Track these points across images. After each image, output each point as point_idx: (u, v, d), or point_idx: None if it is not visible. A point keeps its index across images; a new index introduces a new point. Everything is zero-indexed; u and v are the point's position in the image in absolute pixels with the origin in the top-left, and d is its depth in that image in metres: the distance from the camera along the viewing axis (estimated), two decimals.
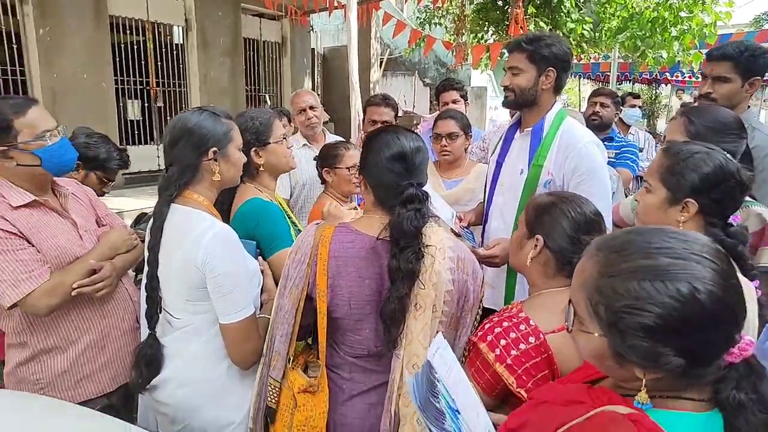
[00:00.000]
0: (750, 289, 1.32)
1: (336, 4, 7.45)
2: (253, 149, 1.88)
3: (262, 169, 1.92)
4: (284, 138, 1.97)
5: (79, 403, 1.65)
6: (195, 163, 1.55)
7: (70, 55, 6.36)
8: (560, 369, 1.26)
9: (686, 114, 1.81)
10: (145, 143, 7.72)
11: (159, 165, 7.54)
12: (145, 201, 5.21)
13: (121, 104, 7.27)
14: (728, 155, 1.41)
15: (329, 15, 8.13)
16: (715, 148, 1.42)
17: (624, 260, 0.84)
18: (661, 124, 17.06)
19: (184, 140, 1.53)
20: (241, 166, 1.68)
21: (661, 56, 7.30)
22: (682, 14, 7.01)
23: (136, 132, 7.54)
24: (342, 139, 3.27)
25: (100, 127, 6.34)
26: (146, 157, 7.22)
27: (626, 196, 3.27)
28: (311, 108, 3.21)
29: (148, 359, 1.55)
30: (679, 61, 7.59)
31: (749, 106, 2.30)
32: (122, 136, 7.16)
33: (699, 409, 0.85)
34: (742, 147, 1.76)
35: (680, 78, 11.86)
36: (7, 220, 1.55)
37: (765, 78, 2.36)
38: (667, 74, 11.42)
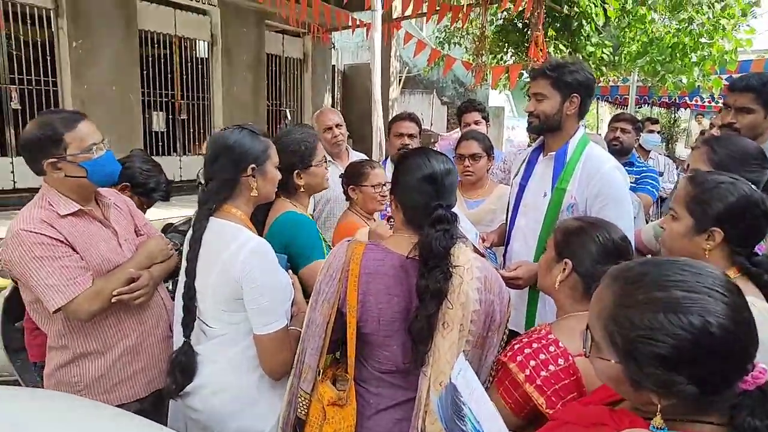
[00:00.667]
0: None
1: (359, 22, 7.60)
2: (296, 171, 1.95)
3: (301, 190, 1.99)
4: (325, 160, 2.05)
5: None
6: (234, 179, 1.61)
7: (100, 67, 6.56)
8: (588, 391, 1.29)
9: (709, 143, 1.84)
10: (168, 154, 7.89)
11: (181, 176, 7.69)
12: (168, 211, 5.31)
13: (147, 116, 7.46)
14: (753, 186, 1.44)
15: (352, 33, 8.28)
16: (740, 178, 1.44)
17: (639, 291, 0.88)
18: (680, 148, 16.97)
19: (224, 156, 1.60)
20: (276, 183, 1.75)
21: (681, 81, 7.32)
22: (703, 40, 7.04)
23: (160, 143, 7.71)
24: (367, 158, 3.34)
25: (126, 138, 6.56)
26: (169, 168, 7.32)
27: (647, 222, 3.28)
28: (337, 126, 3.29)
29: (183, 366, 1.60)
30: (698, 86, 7.60)
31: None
32: (146, 146, 7.34)
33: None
34: (765, 177, 1.78)
35: (700, 102, 11.82)
36: (55, 228, 1.62)
37: None
38: (687, 98, 11.40)
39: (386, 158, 3.60)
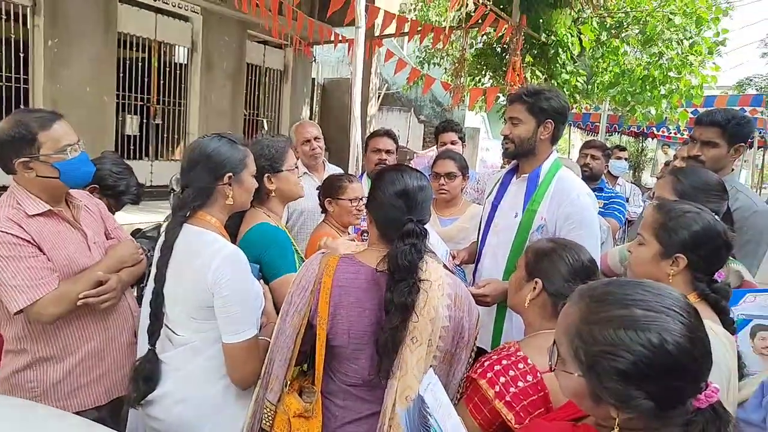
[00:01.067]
0: (731, 341, 1.40)
1: (341, 38, 7.68)
2: (267, 175, 1.95)
3: (273, 195, 1.99)
4: (296, 167, 2.05)
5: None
6: (210, 187, 1.61)
7: (75, 68, 6.45)
8: (555, 407, 1.32)
9: (675, 174, 1.93)
10: (140, 158, 7.76)
11: (152, 181, 7.57)
12: (137, 216, 5.22)
13: (120, 119, 7.34)
14: (716, 216, 1.51)
15: (334, 48, 8.35)
16: (704, 208, 1.51)
17: (603, 309, 0.93)
18: (646, 176, 17.52)
19: (202, 164, 1.60)
20: (253, 192, 1.75)
21: (649, 112, 7.59)
22: (671, 74, 7.33)
23: (132, 147, 7.58)
24: (341, 171, 3.36)
25: (98, 140, 6.44)
26: (140, 172, 7.19)
27: (614, 245, 3.37)
28: (315, 139, 3.32)
29: (147, 374, 1.57)
30: (666, 117, 7.89)
31: (733, 169, 2.43)
32: (118, 149, 7.20)
33: None
34: (723, 208, 1.87)
35: (666, 134, 12.26)
36: (22, 227, 1.59)
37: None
38: (654, 129, 11.82)
39: (363, 173, 3.63)
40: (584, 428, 1.03)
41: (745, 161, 12.59)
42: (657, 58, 7.37)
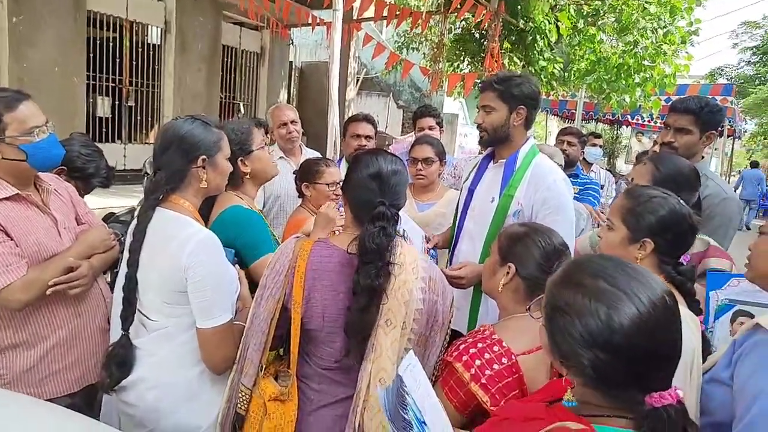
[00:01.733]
0: (696, 323, 1.45)
1: (319, 20, 7.57)
2: (239, 159, 1.93)
3: (248, 177, 1.97)
4: (265, 144, 2.03)
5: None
6: (184, 170, 1.59)
7: (42, 47, 6.23)
8: (529, 389, 1.35)
9: (654, 162, 1.98)
10: (113, 141, 7.57)
11: (125, 164, 7.41)
12: (111, 200, 5.11)
13: (92, 100, 7.14)
14: (681, 201, 1.55)
15: (312, 30, 8.23)
16: (671, 193, 1.56)
17: (577, 274, 1.00)
18: (621, 163, 17.84)
19: (174, 146, 1.57)
20: (227, 175, 1.73)
21: (624, 100, 7.70)
22: (646, 63, 7.43)
23: (105, 129, 7.39)
24: (319, 155, 3.34)
25: (68, 122, 6.27)
26: (113, 155, 7.08)
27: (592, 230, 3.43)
28: (292, 122, 3.28)
29: (120, 360, 1.55)
30: (640, 105, 8.02)
31: (703, 156, 2.49)
32: (90, 132, 7.02)
33: (631, 426, 0.96)
34: (695, 197, 1.92)
35: (640, 121, 12.53)
36: None
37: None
38: (629, 117, 12.05)
39: (341, 158, 3.61)
40: (557, 408, 1.06)
41: (715, 149, 12.92)
42: (632, 47, 7.45)
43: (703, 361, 1.47)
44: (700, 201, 1.97)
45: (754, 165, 16.76)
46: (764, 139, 27.41)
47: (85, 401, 1.81)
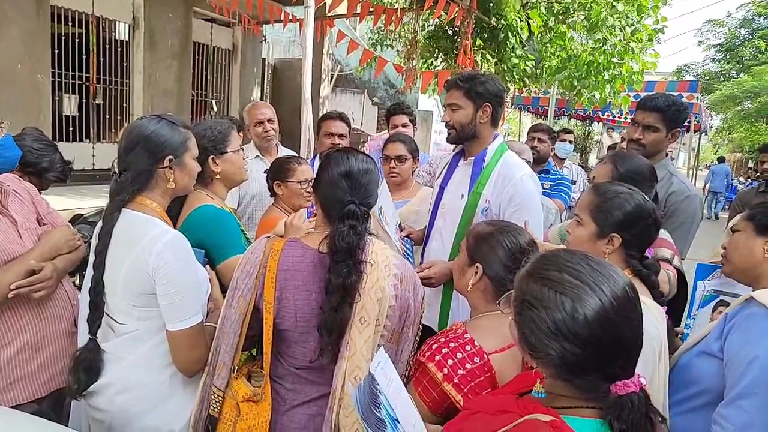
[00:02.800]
0: (661, 314, 1.50)
1: (291, 17, 7.50)
2: (211, 157, 1.91)
3: (217, 177, 1.94)
4: (241, 149, 2.01)
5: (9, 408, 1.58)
6: (150, 170, 1.56)
7: (4, 43, 6.02)
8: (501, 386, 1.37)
9: (613, 161, 2.04)
10: (80, 140, 7.37)
11: (93, 164, 7.24)
12: (79, 201, 5.00)
13: (57, 98, 6.93)
14: (646, 197, 1.60)
15: (284, 27, 8.16)
16: (636, 189, 1.60)
17: (543, 267, 1.03)
18: (593, 159, 18.18)
19: (140, 146, 1.55)
20: (195, 175, 1.71)
21: (594, 96, 7.83)
22: (615, 60, 7.58)
23: (71, 128, 7.19)
24: (294, 154, 3.32)
25: (32, 121, 6.08)
26: (80, 155, 6.89)
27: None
28: (269, 121, 3.25)
29: (88, 364, 1.52)
30: (610, 102, 8.18)
31: (667, 153, 2.56)
32: (56, 131, 6.82)
33: (597, 416, 1.00)
34: (653, 193, 1.98)
35: (611, 117, 12.77)
36: None
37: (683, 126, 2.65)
38: (600, 113, 12.27)
39: (315, 156, 3.59)
40: (527, 401, 1.08)
41: (683, 144, 13.28)
42: (601, 44, 7.59)
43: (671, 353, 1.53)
44: (657, 196, 2.03)
45: (721, 160, 17.83)
46: (729, 134, 28.28)
47: (53, 407, 1.77)
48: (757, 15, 26.38)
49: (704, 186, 16.21)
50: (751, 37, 26.43)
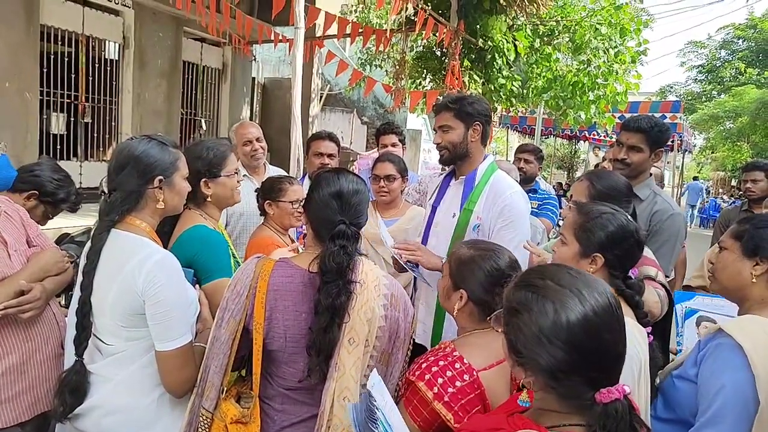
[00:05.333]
0: (642, 334, 1.52)
1: (281, 37, 7.58)
2: (203, 180, 1.91)
3: (209, 199, 1.95)
4: (236, 172, 2.01)
5: None
6: (139, 190, 1.56)
7: None
8: (491, 404, 1.37)
9: (590, 179, 2.09)
10: (68, 159, 7.33)
11: (81, 182, 7.18)
12: (65, 220, 4.94)
13: (45, 116, 6.91)
14: (629, 217, 1.63)
15: (275, 47, 8.23)
16: (619, 209, 1.63)
17: (528, 277, 1.08)
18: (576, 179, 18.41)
19: (130, 167, 1.55)
20: (185, 195, 1.71)
21: (579, 116, 7.98)
22: (599, 81, 7.75)
23: (59, 147, 7.16)
24: (283, 173, 3.33)
25: (20, 139, 6.07)
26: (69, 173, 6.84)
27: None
28: (257, 140, 3.26)
29: (74, 386, 1.50)
30: (595, 122, 8.33)
31: (651, 174, 2.62)
32: (43, 149, 6.77)
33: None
34: (630, 210, 2.02)
35: (597, 137, 12.99)
36: None
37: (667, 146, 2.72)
38: (586, 132, 12.47)
39: (304, 175, 3.60)
40: (517, 418, 1.09)
41: (667, 163, 13.52)
42: (585, 65, 7.77)
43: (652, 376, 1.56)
44: (635, 212, 2.07)
45: (695, 179, 22.18)
46: (712, 152, 28.82)
47: (37, 430, 1.74)
48: (736, 37, 27.15)
49: (679, 198, 16.94)
50: (731, 58, 27.16)
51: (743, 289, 1.56)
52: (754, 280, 1.52)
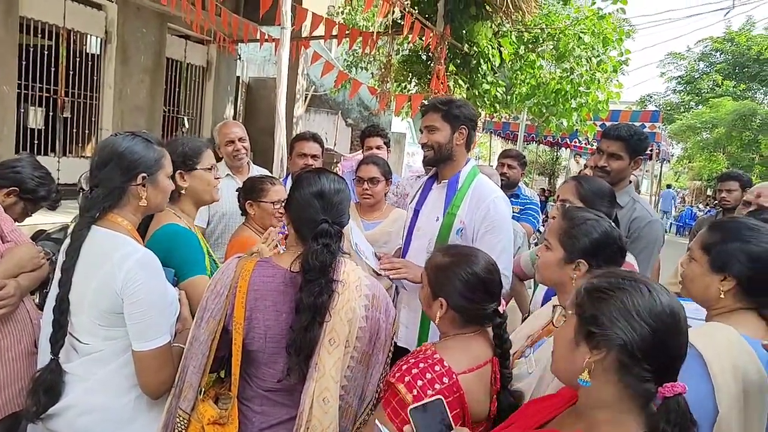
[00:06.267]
0: None
1: (267, 37, 7.53)
2: (178, 172, 1.88)
3: (184, 193, 1.92)
4: (213, 168, 1.99)
5: None
6: (122, 187, 1.54)
7: None
8: (470, 407, 1.38)
9: (578, 180, 2.14)
10: (45, 154, 7.18)
11: (59, 178, 7.03)
12: (42, 216, 4.84)
13: (23, 110, 6.77)
14: (612, 224, 1.65)
15: (260, 47, 8.19)
16: (603, 216, 1.65)
17: (611, 272, 1.11)
18: (560, 183, 18.65)
19: (113, 163, 1.53)
20: (169, 193, 1.69)
21: (562, 123, 8.08)
22: (581, 89, 7.85)
23: (36, 142, 7.01)
24: (266, 172, 3.31)
25: None
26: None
27: (529, 248, 3.57)
28: (240, 140, 3.24)
29: (48, 386, 1.47)
30: (576, 129, 8.45)
31: (630, 181, 2.67)
32: (19, 144, 6.64)
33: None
34: (613, 214, 2.06)
35: (578, 144, 13.16)
36: None
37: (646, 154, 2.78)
38: (567, 139, 12.64)
39: (287, 175, 3.59)
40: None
41: (646, 171, 13.77)
42: (568, 73, 7.86)
43: None
44: (617, 218, 2.11)
45: (669, 186, 22.77)
46: (689, 162, 29.40)
47: (7, 431, 1.70)
48: (714, 50, 27.78)
49: (656, 206, 17.58)
50: (709, 70, 27.77)
51: (711, 301, 1.53)
52: (722, 295, 1.47)
